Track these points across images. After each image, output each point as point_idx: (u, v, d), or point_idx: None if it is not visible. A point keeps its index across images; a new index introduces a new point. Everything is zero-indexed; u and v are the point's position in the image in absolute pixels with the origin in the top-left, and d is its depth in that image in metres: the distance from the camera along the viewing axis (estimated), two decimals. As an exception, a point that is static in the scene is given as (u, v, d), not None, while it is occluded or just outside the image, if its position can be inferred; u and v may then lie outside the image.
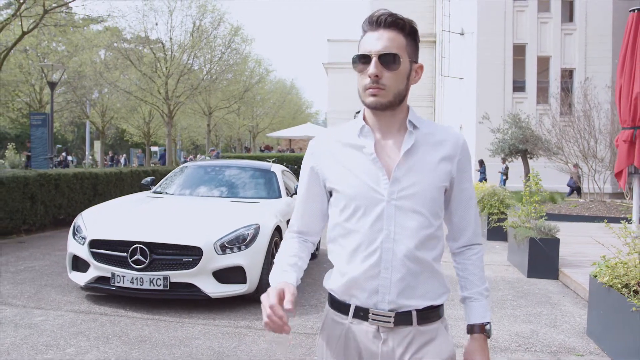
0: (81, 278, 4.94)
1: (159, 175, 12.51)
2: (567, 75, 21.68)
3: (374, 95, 1.41)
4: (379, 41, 1.40)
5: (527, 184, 7.03)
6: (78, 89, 25.69)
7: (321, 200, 1.57)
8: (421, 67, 1.50)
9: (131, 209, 5.64)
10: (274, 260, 1.54)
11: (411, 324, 1.43)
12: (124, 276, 4.65)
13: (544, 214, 6.93)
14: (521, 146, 16.03)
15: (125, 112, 29.63)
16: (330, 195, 1.55)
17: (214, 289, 4.70)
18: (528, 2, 21.63)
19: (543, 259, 6.45)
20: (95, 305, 4.87)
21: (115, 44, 23.94)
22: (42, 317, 4.51)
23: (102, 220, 5.19)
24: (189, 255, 4.64)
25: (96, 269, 4.81)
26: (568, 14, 22.01)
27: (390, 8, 1.45)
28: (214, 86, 25.98)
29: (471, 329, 1.53)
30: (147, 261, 4.62)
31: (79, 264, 5.04)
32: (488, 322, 1.52)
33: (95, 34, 24.65)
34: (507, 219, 8.51)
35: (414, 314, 1.43)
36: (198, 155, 37.22)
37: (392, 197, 1.42)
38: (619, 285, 3.83)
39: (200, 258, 4.64)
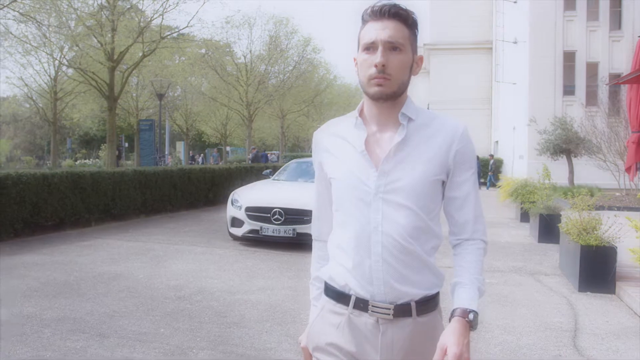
0: (238, 231, 8.00)
1: (255, 171, 15.81)
2: (615, 79, 23.19)
3: (379, 85, 1.38)
4: (385, 30, 1.38)
5: (540, 176, 9.51)
6: (167, 96, 29.50)
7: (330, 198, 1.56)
8: (421, 58, 1.48)
9: (267, 188, 8.75)
10: (311, 270, 1.68)
11: (410, 315, 1.41)
12: (268, 228, 7.67)
13: (552, 198, 9.37)
14: (565, 146, 18.11)
15: (205, 115, 33.18)
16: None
17: (322, 237, 7.60)
18: (577, 12, 23.34)
19: (548, 229, 8.90)
20: (249, 247, 7.91)
21: (202, 51, 26.54)
22: (222, 251, 7.59)
23: (251, 195, 8.25)
24: (308, 215, 7.56)
25: (249, 225, 7.85)
26: (617, 22, 23.50)
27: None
28: (288, 92, 29.02)
29: (452, 314, 1.37)
30: (282, 219, 7.61)
31: (235, 223, 8.11)
32: (473, 311, 1.36)
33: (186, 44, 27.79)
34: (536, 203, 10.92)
35: (413, 305, 1.41)
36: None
37: (380, 190, 1.40)
38: (572, 232, 6.35)
39: (315, 217, 7.55)
